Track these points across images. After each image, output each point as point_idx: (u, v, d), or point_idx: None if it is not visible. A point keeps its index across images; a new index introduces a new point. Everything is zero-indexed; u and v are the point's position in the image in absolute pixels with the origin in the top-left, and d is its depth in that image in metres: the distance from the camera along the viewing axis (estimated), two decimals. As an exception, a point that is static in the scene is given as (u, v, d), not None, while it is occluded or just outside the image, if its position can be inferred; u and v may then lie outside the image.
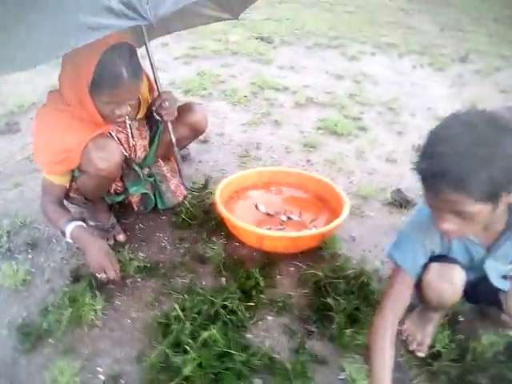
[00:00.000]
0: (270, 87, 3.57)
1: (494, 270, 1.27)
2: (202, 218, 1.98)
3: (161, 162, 1.98)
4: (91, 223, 1.88)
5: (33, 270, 1.71)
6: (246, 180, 2.10)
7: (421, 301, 1.39)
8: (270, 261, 1.76)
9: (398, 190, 2.26)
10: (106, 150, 1.52)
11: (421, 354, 1.42)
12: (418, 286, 1.31)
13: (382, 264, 1.78)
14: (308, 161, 2.56)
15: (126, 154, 1.74)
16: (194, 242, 1.87)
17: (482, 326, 1.50)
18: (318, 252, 1.81)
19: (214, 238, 1.88)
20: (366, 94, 3.60)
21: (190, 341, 1.35)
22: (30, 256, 1.78)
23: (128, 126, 1.72)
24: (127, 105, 1.50)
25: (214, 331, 1.37)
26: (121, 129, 1.71)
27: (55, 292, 1.61)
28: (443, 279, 1.24)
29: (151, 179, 1.91)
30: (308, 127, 2.98)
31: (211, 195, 2.02)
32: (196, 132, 1.94)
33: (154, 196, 1.95)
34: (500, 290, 1.28)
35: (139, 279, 1.68)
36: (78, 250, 1.80)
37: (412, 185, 2.23)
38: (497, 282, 1.27)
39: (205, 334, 1.36)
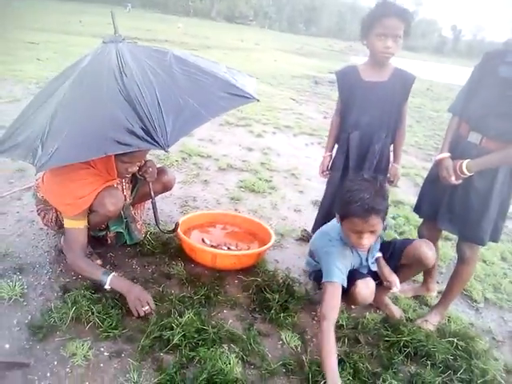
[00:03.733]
0: (196, 154, 4.30)
1: (370, 262, 2.08)
2: (162, 248, 2.51)
3: (131, 206, 2.51)
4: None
5: (25, 287, 2.06)
6: (195, 220, 2.70)
7: (348, 303, 2.12)
8: (220, 275, 2.34)
9: (305, 230, 3.04)
10: (116, 197, 2.07)
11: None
12: (346, 294, 2.00)
13: (299, 276, 2.48)
14: (236, 209, 3.25)
15: None
16: (158, 264, 2.39)
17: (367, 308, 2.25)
18: (253, 269, 2.44)
19: (173, 262, 2.41)
20: (273, 163, 4.51)
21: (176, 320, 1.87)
22: (20, 277, 2.12)
23: (123, 180, 2.30)
24: (136, 165, 2.11)
25: (191, 314, 1.91)
26: (119, 182, 2.26)
27: (50, 301, 1.99)
28: (366, 288, 1.96)
29: (125, 220, 2.42)
30: (231, 186, 3.72)
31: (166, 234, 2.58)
32: (166, 188, 2.55)
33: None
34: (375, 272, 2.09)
35: (120, 290, 2.13)
36: (61, 273, 2.21)
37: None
38: (373, 267, 2.06)
39: (186, 315, 1.89)
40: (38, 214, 2.30)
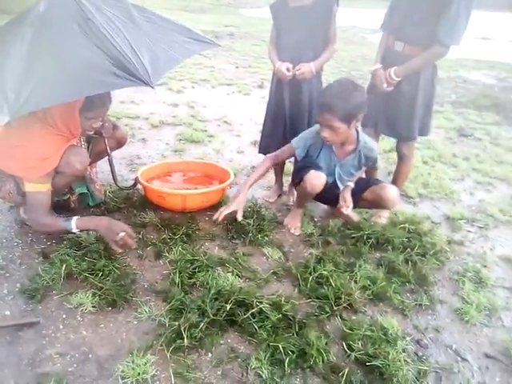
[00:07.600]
0: (124, 116, 4.21)
1: (339, 175, 2.32)
2: (127, 202, 2.55)
3: (88, 167, 2.47)
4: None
5: (1, 261, 2.01)
6: (151, 172, 2.74)
7: (297, 190, 2.35)
8: (191, 216, 2.45)
9: (254, 167, 3.22)
10: (81, 155, 2.05)
11: (297, 233, 2.37)
12: (297, 185, 2.26)
13: (263, 199, 2.71)
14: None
15: None
16: (128, 217, 2.42)
17: (328, 218, 2.53)
18: (221, 206, 2.57)
19: (142, 213, 2.46)
20: (202, 114, 4.56)
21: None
22: (-9, 252, 2.06)
23: (80, 139, 2.25)
24: (100, 120, 2.08)
25: (180, 248, 2.04)
26: (78, 142, 2.21)
27: (33, 268, 1.97)
28: (316, 178, 2.17)
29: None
30: (170, 140, 3.75)
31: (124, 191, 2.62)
32: (120, 144, 2.53)
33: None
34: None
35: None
36: (33, 242, 2.17)
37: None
38: (340, 184, 2.31)
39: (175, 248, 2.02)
40: (-8, 189, 2.20)
